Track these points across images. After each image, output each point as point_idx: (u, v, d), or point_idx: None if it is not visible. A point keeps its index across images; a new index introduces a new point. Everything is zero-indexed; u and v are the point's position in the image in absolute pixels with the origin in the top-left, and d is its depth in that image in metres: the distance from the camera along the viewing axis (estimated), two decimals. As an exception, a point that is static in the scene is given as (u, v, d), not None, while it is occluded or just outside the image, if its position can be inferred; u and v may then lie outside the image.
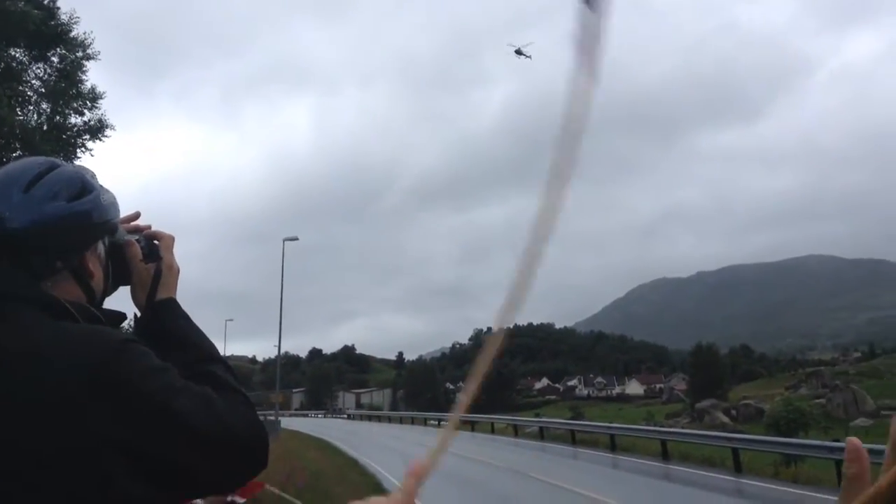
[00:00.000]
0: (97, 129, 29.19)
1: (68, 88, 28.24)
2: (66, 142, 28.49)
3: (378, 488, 18.07)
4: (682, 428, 44.12)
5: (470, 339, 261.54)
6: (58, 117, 28.66)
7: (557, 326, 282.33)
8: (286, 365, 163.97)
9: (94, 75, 39.46)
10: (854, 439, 0.71)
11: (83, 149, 28.85)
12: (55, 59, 28.47)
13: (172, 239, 1.72)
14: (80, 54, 28.83)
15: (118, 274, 1.61)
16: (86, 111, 29.11)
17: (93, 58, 29.13)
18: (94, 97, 29.17)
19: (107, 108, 33.09)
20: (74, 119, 29.10)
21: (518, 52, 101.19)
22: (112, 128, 29.61)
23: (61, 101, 28.34)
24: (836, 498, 0.58)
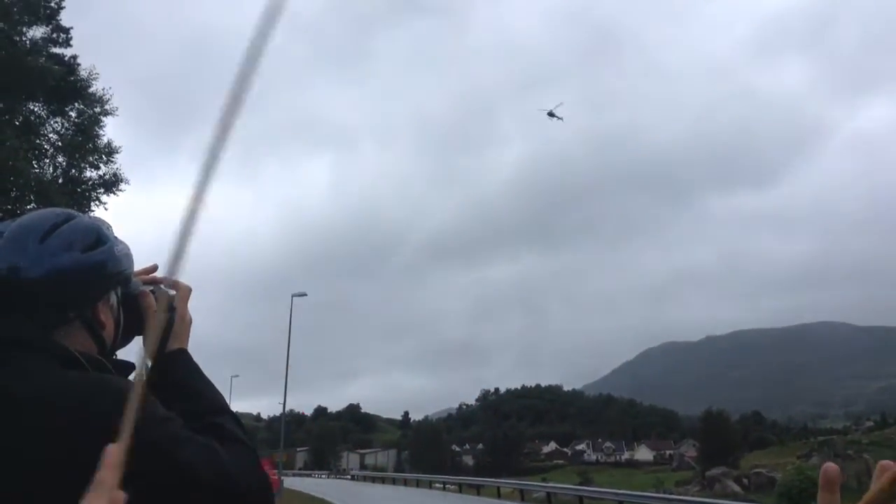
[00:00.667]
0: (112, 183, 29.53)
1: (85, 143, 28.66)
2: (81, 195, 28.80)
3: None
4: (693, 496, 43.21)
5: (477, 400, 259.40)
6: (73, 171, 29.02)
7: (566, 388, 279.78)
8: (291, 423, 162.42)
9: (111, 130, 40.13)
10: (832, 465, 0.76)
11: (97, 202, 29.13)
12: (73, 114, 28.99)
13: (189, 290, 1.72)
14: (97, 110, 29.35)
15: (131, 325, 1.61)
16: (101, 165, 29.47)
17: (110, 113, 29.62)
18: (109, 151, 29.59)
19: (122, 163, 33.56)
20: (90, 172, 29.46)
21: (550, 114, 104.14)
22: (126, 182, 29.93)
23: (77, 155, 28.74)
24: None
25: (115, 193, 29.61)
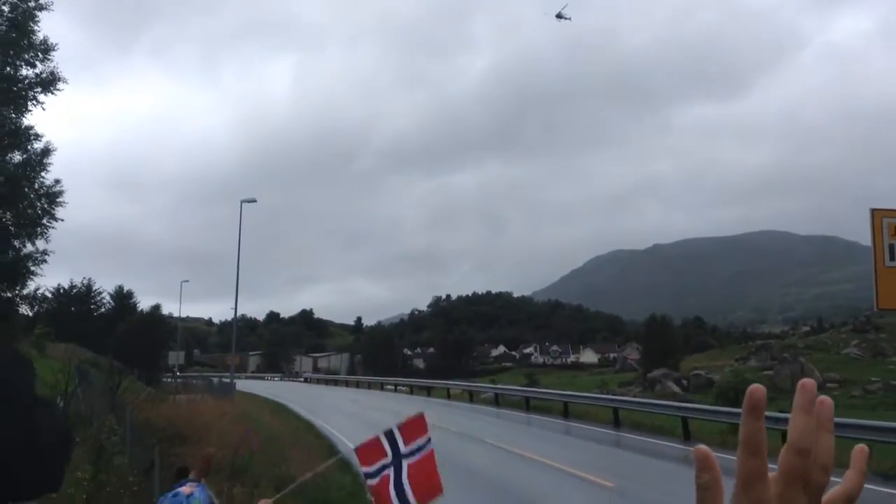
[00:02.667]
0: (49, 82, 28.36)
1: (19, 38, 27.34)
2: (16, 94, 27.64)
3: (332, 451, 18.14)
4: (634, 396, 44.93)
5: (429, 306, 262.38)
6: (8, 68, 27.75)
7: (515, 295, 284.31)
8: (243, 328, 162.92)
9: (47, 26, 38.08)
10: (702, 447, 0.70)
11: (35, 101, 28.06)
12: (6, 8, 27.50)
13: None
14: (31, 3, 27.89)
15: None
16: (37, 63, 28.26)
17: (45, 8, 28.21)
18: (46, 49, 28.31)
19: (66, 61, 32.23)
20: (26, 71, 28.25)
21: (559, 16, 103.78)
22: (64, 80, 28.81)
23: (11, 52, 27.43)
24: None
25: (52, 93, 28.48)
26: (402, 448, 5.07)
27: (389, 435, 5.10)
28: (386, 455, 5.04)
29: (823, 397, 0.71)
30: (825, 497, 0.72)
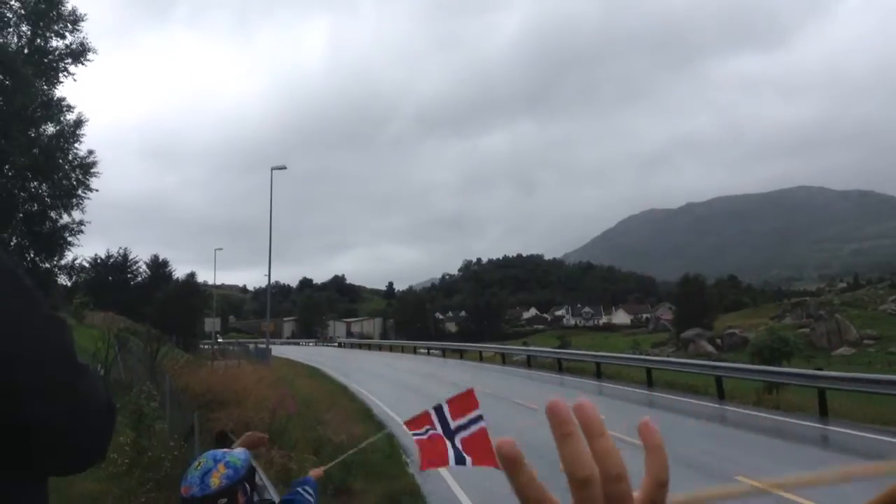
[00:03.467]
0: (79, 53, 28.59)
1: (48, 10, 27.50)
2: (48, 66, 27.87)
3: (367, 414, 18.37)
4: (668, 356, 44.85)
5: (460, 270, 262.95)
6: (39, 40, 27.98)
7: (547, 257, 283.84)
8: (277, 294, 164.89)
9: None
10: (554, 402, 0.60)
11: (65, 73, 28.31)
12: (33, -20, 27.61)
13: None
14: (59, -25, 27.97)
15: None
16: (67, 34, 28.46)
17: (73, -21, 28.32)
18: (75, 20, 28.49)
19: (96, 31, 32.42)
20: (56, 42, 28.46)
21: None
22: (94, 51, 29.04)
23: (42, 24, 27.63)
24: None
25: (82, 63, 28.70)
26: (451, 423, 5.01)
27: (439, 410, 5.05)
28: (435, 426, 4.99)
29: (578, 402, 0.62)
30: (640, 486, 0.62)
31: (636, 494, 0.61)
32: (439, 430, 4.92)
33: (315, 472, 3.86)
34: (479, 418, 5.08)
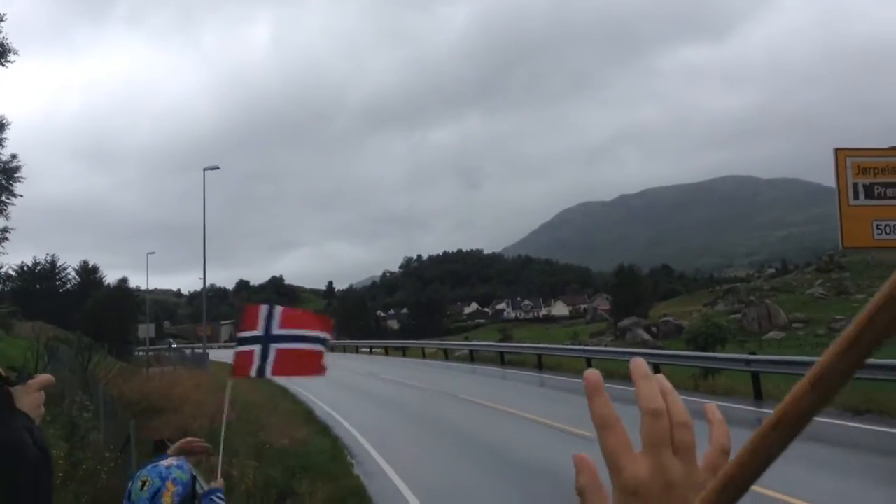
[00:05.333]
0: (-1, 54, 27.50)
1: (-39, 10, 26.35)
2: (-38, 67, 26.76)
3: (309, 416, 18.15)
4: (606, 346, 45.54)
5: (400, 267, 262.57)
6: (-48, 42, 26.84)
7: (486, 252, 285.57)
8: (213, 298, 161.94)
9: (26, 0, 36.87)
10: (637, 360, 0.70)
11: (-16, 75, 27.20)
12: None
13: None
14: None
15: None
16: (-16, 35, 27.34)
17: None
18: (-9, 19, 27.35)
19: (8, 31, 31.23)
20: (-30, 44, 27.34)
21: None
22: (15, 52, 28.05)
23: (-46, 24, 26.50)
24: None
25: (2, 65, 27.67)
26: (274, 330, 4.76)
27: (270, 311, 4.81)
28: (257, 328, 4.76)
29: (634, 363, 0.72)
30: (703, 456, 0.70)
31: (701, 464, 0.69)
32: (261, 332, 4.71)
33: (218, 483, 3.74)
34: (321, 341, 4.84)
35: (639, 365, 0.69)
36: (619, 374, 24.45)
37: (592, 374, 0.67)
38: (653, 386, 0.69)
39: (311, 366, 4.87)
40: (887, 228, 11.41)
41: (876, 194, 11.78)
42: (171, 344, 66.78)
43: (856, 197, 11.50)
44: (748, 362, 18.15)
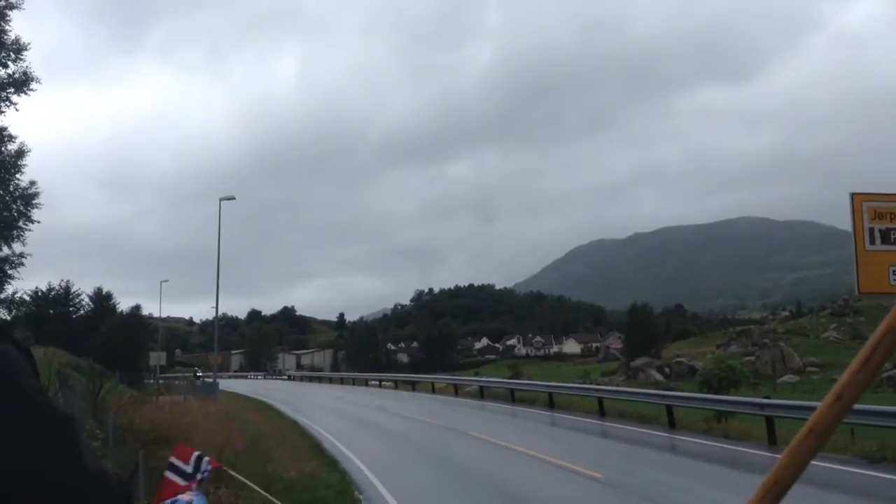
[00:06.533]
0: (22, 83, 28.01)
1: (-11, 39, 26.92)
2: (-13, 95, 27.24)
3: (318, 449, 18.04)
4: (618, 386, 45.16)
5: (412, 301, 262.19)
6: (-22, 69, 27.33)
7: (498, 287, 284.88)
8: (224, 326, 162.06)
9: (19, 26, 37.63)
10: None
11: (8, 102, 27.68)
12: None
13: None
14: (2, 3, 27.46)
15: None
16: (10, 63, 27.87)
17: (16, 7, 27.84)
18: (18, 48, 27.94)
19: (32, 60, 31.80)
20: (-1, 71, 27.82)
21: None
22: (38, 80, 28.50)
23: (-19, 53, 27.02)
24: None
25: (25, 93, 28.11)
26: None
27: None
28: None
29: None
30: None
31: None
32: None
33: None
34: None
35: None
36: (630, 414, 24.24)
37: None
38: None
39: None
40: (904, 274, 11.37)
41: (892, 240, 11.73)
42: (196, 372, 67.55)
43: (872, 242, 11.45)
44: (762, 406, 17.94)
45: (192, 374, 64.97)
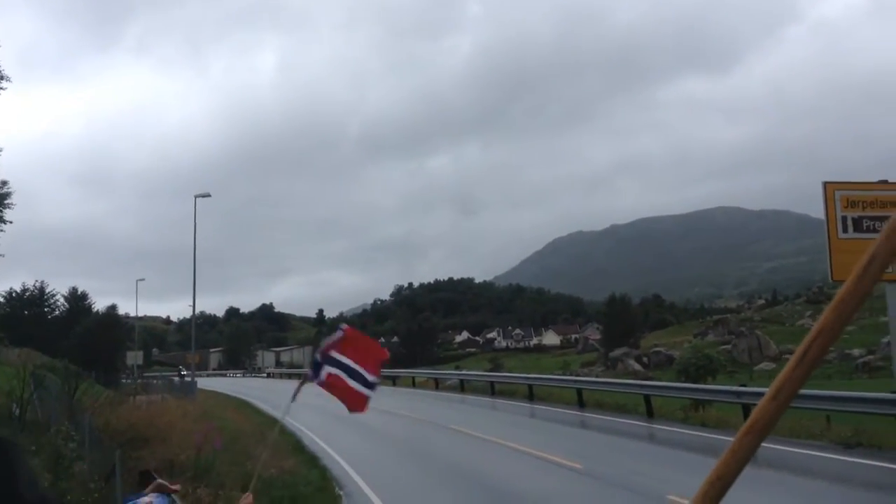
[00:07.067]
0: (-9, 81, 27.56)
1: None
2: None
3: (299, 446, 17.98)
4: (597, 376, 45.43)
5: (391, 296, 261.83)
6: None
7: (478, 280, 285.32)
8: (202, 325, 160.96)
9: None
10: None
11: (-26, 101, 27.23)
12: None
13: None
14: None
15: None
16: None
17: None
18: (-16, 47, 27.46)
19: (3, 59, 31.32)
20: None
21: None
22: (8, 79, 28.09)
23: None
24: None
25: (-6, 91, 27.71)
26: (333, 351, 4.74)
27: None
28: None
29: None
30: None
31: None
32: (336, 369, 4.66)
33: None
34: (370, 385, 4.78)
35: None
36: (609, 405, 24.38)
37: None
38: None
39: (356, 402, 4.85)
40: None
41: (865, 228, 11.87)
42: (181, 371, 67.14)
43: (844, 230, 11.59)
44: (739, 394, 18.12)
45: (176, 373, 64.53)
